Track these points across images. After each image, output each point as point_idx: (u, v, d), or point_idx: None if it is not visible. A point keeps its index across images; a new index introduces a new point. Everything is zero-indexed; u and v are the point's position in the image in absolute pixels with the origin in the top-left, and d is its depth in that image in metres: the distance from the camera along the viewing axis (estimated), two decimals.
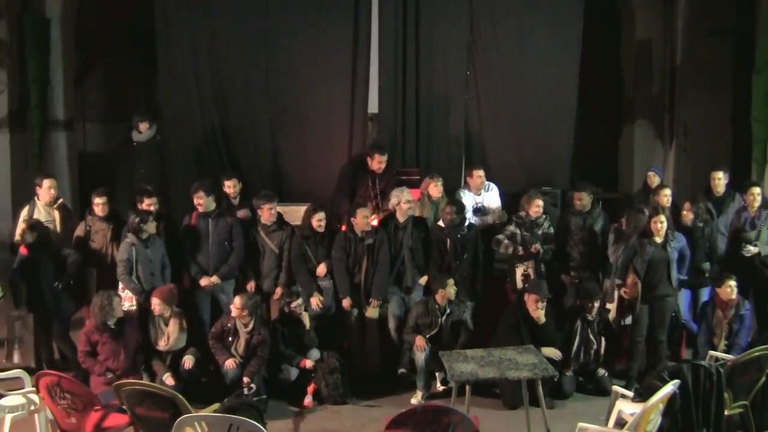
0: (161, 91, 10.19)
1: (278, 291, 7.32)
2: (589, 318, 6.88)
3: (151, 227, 6.98)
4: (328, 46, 9.77)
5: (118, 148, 10.66)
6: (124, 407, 5.07)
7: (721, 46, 10.07)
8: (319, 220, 7.26)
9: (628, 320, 7.20)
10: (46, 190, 7.51)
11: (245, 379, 6.45)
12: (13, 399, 5.54)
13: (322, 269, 7.27)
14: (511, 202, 8.39)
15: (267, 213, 7.38)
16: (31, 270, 6.92)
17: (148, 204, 7.33)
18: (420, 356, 6.75)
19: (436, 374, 6.96)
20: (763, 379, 5.60)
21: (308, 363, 6.78)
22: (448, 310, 6.88)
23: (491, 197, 8.27)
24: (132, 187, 7.98)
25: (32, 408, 5.48)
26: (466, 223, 7.44)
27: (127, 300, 6.91)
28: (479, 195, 8.20)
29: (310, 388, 6.67)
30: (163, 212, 7.74)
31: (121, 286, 6.99)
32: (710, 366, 5.31)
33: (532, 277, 7.32)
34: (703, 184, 8.30)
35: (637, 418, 4.88)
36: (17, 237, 7.18)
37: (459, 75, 9.90)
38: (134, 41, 11.27)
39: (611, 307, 7.25)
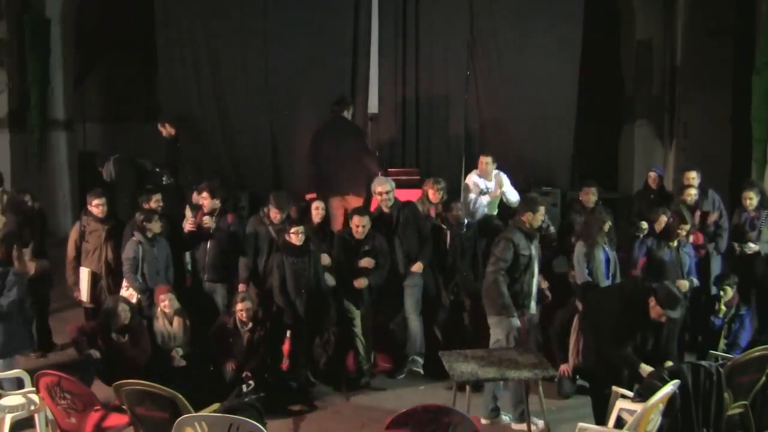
0: (161, 91, 10.20)
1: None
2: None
3: (155, 226, 7.00)
4: (328, 46, 9.78)
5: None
6: (124, 407, 5.07)
7: (721, 46, 10.08)
8: (295, 233, 6.77)
9: None
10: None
11: (245, 375, 6.44)
12: (13, 399, 5.53)
13: None
14: None
15: (274, 213, 7.36)
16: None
17: (153, 202, 7.36)
18: None
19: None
20: (763, 379, 5.58)
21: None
22: None
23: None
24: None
25: (32, 408, 5.47)
26: (465, 222, 7.43)
27: (130, 297, 6.92)
28: (490, 181, 7.98)
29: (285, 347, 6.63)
30: (165, 212, 7.72)
31: (125, 283, 7.02)
32: (710, 366, 5.30)
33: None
34: (705, 184, 8.26)
35: (637, 418, 4.88)
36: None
37: (459, 75, 9.92)
38: (134, 41, 11.28)
39: None
